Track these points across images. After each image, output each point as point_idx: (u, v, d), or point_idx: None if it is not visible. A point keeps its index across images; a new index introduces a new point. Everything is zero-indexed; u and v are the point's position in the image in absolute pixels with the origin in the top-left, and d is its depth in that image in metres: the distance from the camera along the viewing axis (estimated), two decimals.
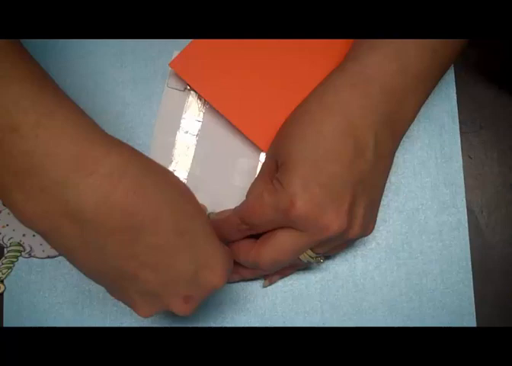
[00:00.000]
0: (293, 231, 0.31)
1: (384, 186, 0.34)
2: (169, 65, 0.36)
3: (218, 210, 0.38)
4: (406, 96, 0.32)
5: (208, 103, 0.38)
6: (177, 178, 0.29)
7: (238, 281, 0.38)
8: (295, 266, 0.36)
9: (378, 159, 0.31)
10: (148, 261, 0.27)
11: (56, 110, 0.26)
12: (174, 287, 0.28)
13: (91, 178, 0.25)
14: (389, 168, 0.33)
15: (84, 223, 0.25)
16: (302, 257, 0.33)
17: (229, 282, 0.38)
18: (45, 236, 0.26)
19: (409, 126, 0.34)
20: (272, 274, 0.37)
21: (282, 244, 0.32)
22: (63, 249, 0.27)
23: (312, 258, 0.33)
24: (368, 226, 0.33)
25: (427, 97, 0.34)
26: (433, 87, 0.34)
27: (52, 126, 0.25)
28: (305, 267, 0.38)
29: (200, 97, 0.39)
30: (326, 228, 0.30)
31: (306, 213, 0.30)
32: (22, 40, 0.30)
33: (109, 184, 0.25)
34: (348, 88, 0.31)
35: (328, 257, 0.38)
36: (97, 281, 0.29)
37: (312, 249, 0.33)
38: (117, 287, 0.28)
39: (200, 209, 0.29)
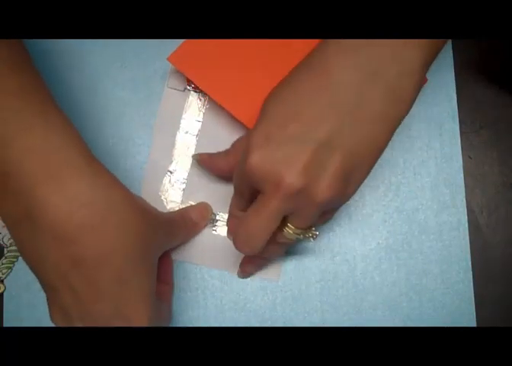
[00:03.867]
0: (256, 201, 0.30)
1: (374, 157, 0.31)
2: (167, 59, 0.36)
3: (218, 210, 0.38)
4: (395, 58, 0.29)
5: (208, 103, 0.38)
6: (153, 224, 0.30)
7: (243, 277, 0.39)
8: (283, 244, 0.34)
9: (359, 122, 0.29)
10: (76, 288, 0.28)
11: (36, 124, 0.27)
12: (83, 319, 0.29)
13: (53, 197, 0.26)
14: (383, 139, 0.30)
15: (38, 232, 0.27)
16: (286, 234, 0.31)
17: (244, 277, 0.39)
18: (8, 227, 0.28)
19: (407, 90, 0.30)
20: (246, 262, 0.38)
21: (247, 215, 0.31)
22: (16, 240, 0.28)
23: (298, 234, 0.31)
24: (343, 190, 0.30)
25: (420, 64, 0.30)
26: (426, 59, 0.30)
27: (29, 140, 0.27)
28: (298, 242, 0.37)
29: (200, 97, 0.39)
30: (277, 184, 0.29)
31: (257, 167, 0.29)
32: (24, 41, 0.31)
33: (68, 209, 0.27)
34: (339, 54, 0.30)
35: (317, 234, 0.33)
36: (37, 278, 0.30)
37: (289, 224, 0.31)
38: (47, 289, 0.30)
39: (151, 266, 0.30)
